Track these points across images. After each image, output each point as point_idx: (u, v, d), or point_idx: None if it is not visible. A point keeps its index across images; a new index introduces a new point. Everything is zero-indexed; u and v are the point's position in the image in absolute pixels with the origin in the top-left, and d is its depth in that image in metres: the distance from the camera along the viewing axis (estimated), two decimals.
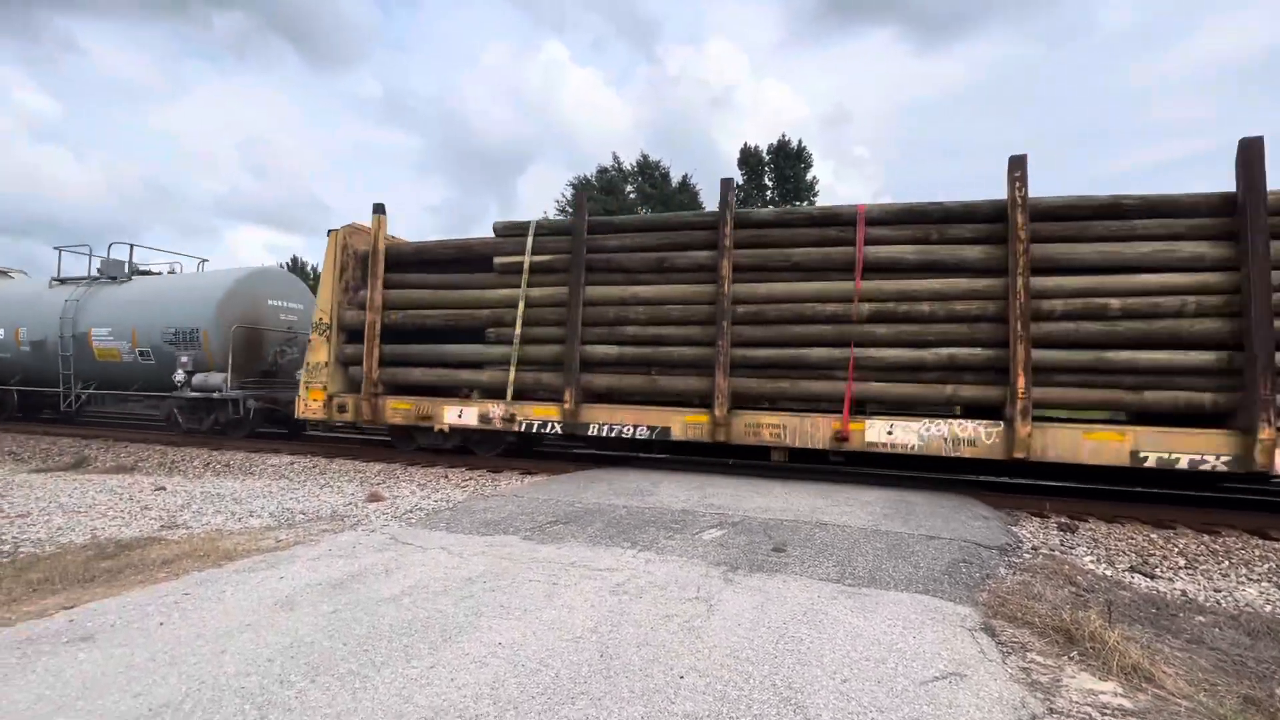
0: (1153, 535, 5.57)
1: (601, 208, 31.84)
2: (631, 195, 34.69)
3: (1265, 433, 5.69)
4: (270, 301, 11.57)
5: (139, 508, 5.97)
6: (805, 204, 34.00)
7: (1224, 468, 5.91)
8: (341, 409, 9.10)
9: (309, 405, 9.21)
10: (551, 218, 6.53)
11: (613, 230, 8.31)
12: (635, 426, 7.76)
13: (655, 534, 4.79)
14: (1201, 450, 5.97)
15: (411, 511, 5.78)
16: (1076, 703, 2.42)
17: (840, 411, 7.04)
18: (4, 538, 4.88)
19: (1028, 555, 4.73)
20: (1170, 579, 4.52)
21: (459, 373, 8.80)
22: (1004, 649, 2.89)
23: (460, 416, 8.54)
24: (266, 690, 2.35)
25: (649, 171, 34.73)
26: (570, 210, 31.24)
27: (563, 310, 8.06)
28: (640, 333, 7.84)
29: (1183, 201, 6.43)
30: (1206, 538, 5.50)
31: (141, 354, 11.30)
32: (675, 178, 34.89)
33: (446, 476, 7.90)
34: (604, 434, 7.86)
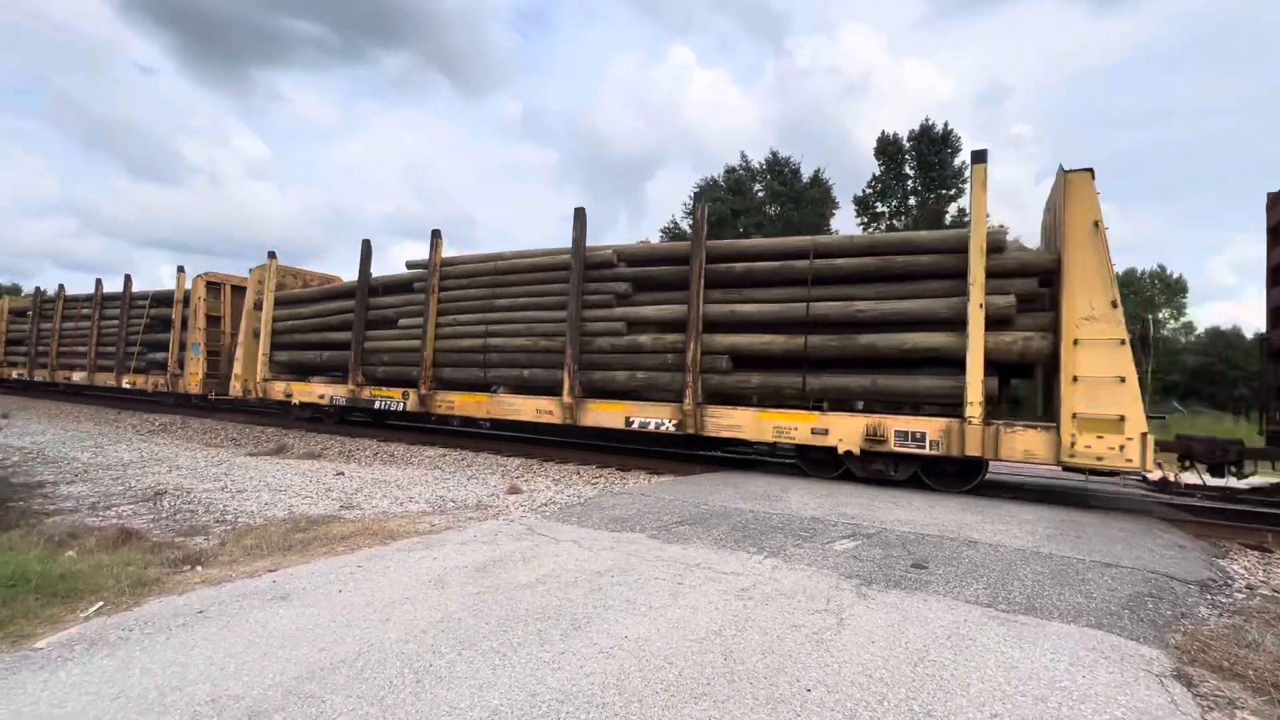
0: None
1: (728, 208, 31.58)
2: (760, 194, 34.03)
3: (688, 404, 8.05)
4: None
5: (323, 489, 6.91)
6: (948, 193, 31.29)
7: (673, 429, 8.20)
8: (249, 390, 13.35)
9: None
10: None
11: (383, 291, 11.70)
12: (389, 399, 11.07)
13: (783, 541, 4.66)
14: (657, 416, 8.30)
15: (546, 505, 6.12)
16: None
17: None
18: (229, 509, 5.89)
19: (1240, 595, 3.97)
20: None
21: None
22: (1204, 703, 2.45)
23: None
24: (421, 657, 2.62)
25: (778, 169, 33.86)
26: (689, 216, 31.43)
27: (349, 334, 11.75)
28: (395, 345, 11.19)
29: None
30: None
31: None
32: (806, 173, 33.71)
33: (578, 474, 8.27)
34: (377, 406, 11.34)
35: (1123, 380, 6.04)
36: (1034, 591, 3.66)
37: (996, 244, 6.84)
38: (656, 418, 8.34)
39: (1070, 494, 7.66)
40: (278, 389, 12.86)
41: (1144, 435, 5.96)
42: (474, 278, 10.36)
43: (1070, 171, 6.56)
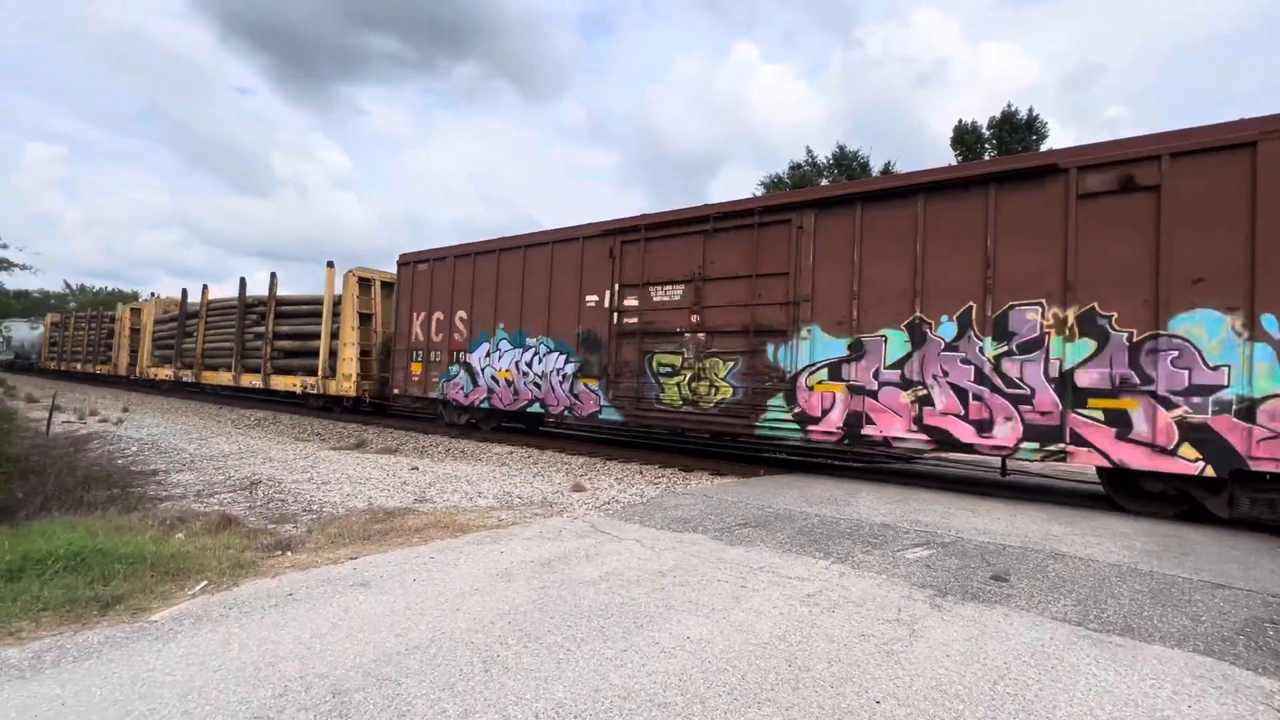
0: None
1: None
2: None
3: (267, 369, 16.46)
4: None
5: (399, 483, 7.26)
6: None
7: (260, 384, 16.79)
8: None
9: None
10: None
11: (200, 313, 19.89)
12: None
13: (851, 546, 4.51)
14: (257, 382, 16.81)
15: (609, 503, 6.19)
16: None
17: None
18: (314, 500, 6.29)
19: None
20: None
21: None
22: None
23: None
24: (489, 647, 2.71)
25: (845, 162, 32.81)
26: None
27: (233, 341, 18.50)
28: (199, 346, 19.74)
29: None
30: None
31: None
32: (876, 166, 32.49)
33: (641, 473, 8.32)
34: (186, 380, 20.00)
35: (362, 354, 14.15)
36: (1131, 611, 3.39)
37: (335, 301, 14.84)
38: (257, 382, 16.72)
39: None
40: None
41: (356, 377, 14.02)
42: (217, 311, 19.39)
43: (349, 272, 14.37)
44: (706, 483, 7.52)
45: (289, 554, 4.19)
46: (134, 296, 57.94)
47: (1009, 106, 30.53)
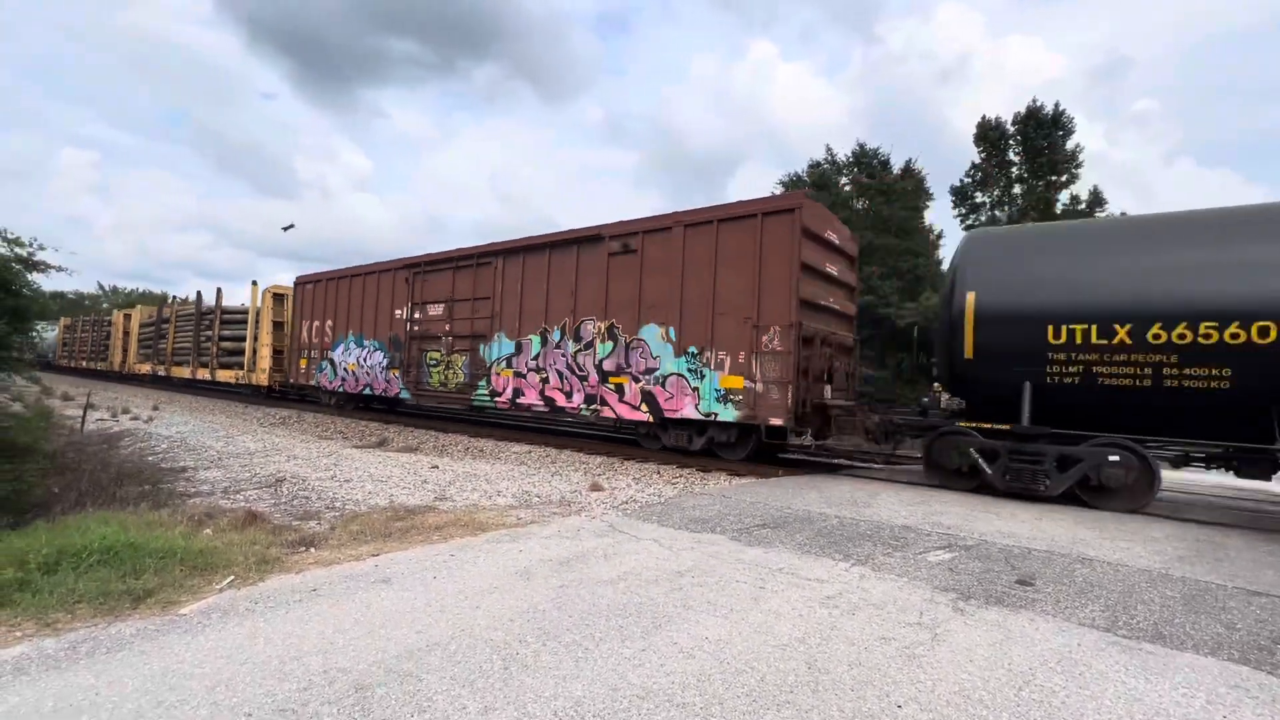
0: None
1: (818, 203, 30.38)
2: (846, 188, 32.72)
3: (213, 364, 20.40)
4: None
5: (419, 481, 7.34)
6: (1059, 179, 28.68)
7: (210, 376, 20.73)
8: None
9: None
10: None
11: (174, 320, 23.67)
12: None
13: (871, 549, 4.46)
14: (209, 376, 20.69)
15: (627, 503, 6.19)
16: None
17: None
18: (337, 497, 6.39)
19: None
20: None
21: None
22: None
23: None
24: (509, 645, 2.73)
25: (866, 160, 32.42)
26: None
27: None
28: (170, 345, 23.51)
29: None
30: None
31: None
32: (897, 164, 32.04)
33: (659, 473, 8.32)
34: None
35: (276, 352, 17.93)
36: (1162, 618, 3.30)
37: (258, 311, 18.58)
38: (207, 375, 20.43)
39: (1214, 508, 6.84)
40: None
41: (270, 370, 17.86)
42: (182, 318, 22.82)
43: (266, 289, 18.45)
44: (725, 483, 7.49)
45: (313, 550, 4.26)
46: (163, 298, 59.31)
47: (1034, 101, 29.88)
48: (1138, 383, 6.24)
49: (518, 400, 10.97)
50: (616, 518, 5.38)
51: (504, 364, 11.25)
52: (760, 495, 6.42)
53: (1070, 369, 6.57)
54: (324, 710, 2.19)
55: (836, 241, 9.14)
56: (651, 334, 9.22)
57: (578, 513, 5.66)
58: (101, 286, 69.97)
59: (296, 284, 17.16)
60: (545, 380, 10.52)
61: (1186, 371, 6.02)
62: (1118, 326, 6.27)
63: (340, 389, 15.36)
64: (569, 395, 10.17)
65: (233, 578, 3.58)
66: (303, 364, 16.63)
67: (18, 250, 5.97)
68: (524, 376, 10.88)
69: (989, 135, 30.84)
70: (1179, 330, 6.00)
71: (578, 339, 10.12)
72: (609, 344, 9.66)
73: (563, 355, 10.32)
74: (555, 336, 10.50)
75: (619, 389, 9.50)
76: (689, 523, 5.15)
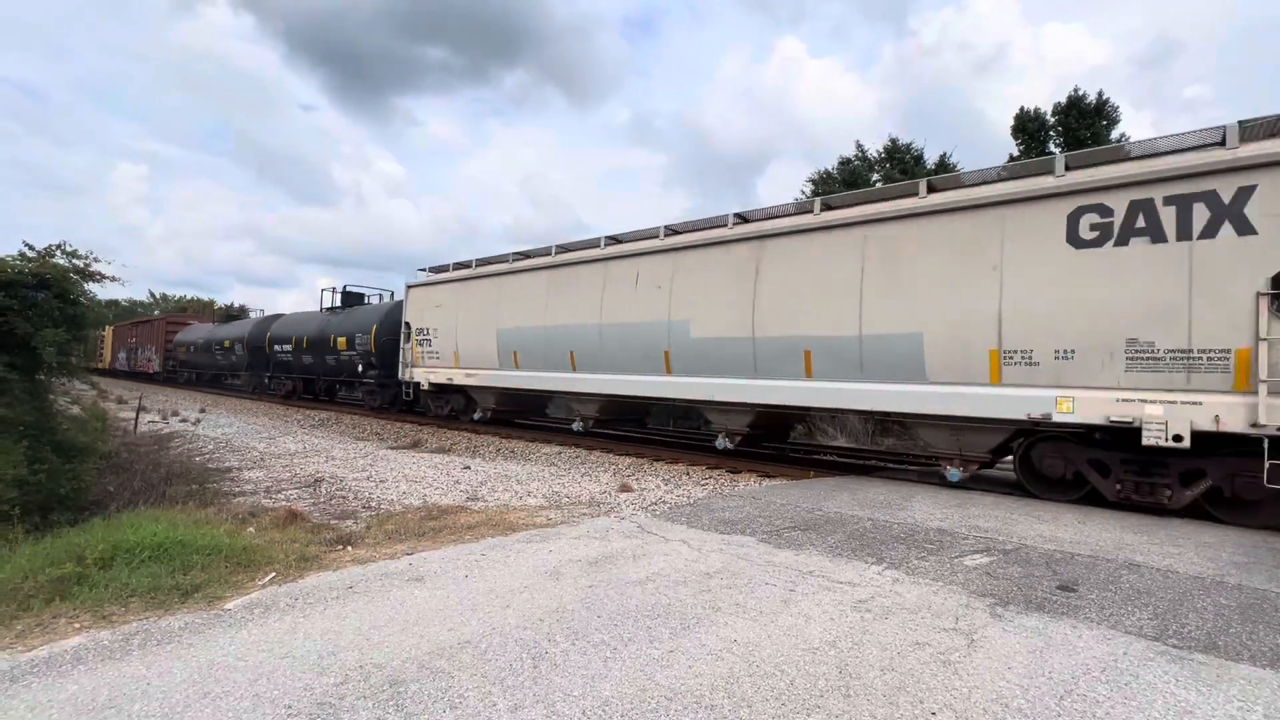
0: None
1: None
2: (878, 184, 32.07)
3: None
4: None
5: (452, 481, 7.47)
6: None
7: None
8: None
9: None
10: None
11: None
12: None
13: (905, 552, 4.37)
14: None
15: (656, 504, 6.19)
16: None
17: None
18: (373, 497, 6.54)
19: None
20: None
21: None
22: None
23: None
24: (538, 644, 2.76)
25: (898, 156, 31.74)
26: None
27: None
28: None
29: None
30: None
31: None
32: (931, 158, 31.28)
33: (688, 474, 8.30)
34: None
35: None
36: (1216, 627, 3.15)
37: None
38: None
39: None
40: None
41: None
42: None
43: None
44: (755, 484, 7.43)
45: (349, 549, 4.37)
46: (210, 304, 61.56)
47: (1076, 91, 28.82)
48: None
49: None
50: (645, 519, 5.38)
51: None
52: (791, 497, 6.35)
53: None
54: (359, 704, 2.24)
55: None
56: None
57: (607, 514, 5.69)
58: (152, 294, 72.95)
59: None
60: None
61: None
62: None
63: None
64: None
65: (274, 574, 3.70)
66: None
67: (75, 262, 6.28)
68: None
69: (1028, 127, 29.83)
70: None
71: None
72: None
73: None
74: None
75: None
76: (718, 524, 5.13)
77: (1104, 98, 29.02)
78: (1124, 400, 5.88)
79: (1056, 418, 6.19)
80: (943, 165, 31.84)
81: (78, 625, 2.96)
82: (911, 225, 7.20)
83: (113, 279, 6.61)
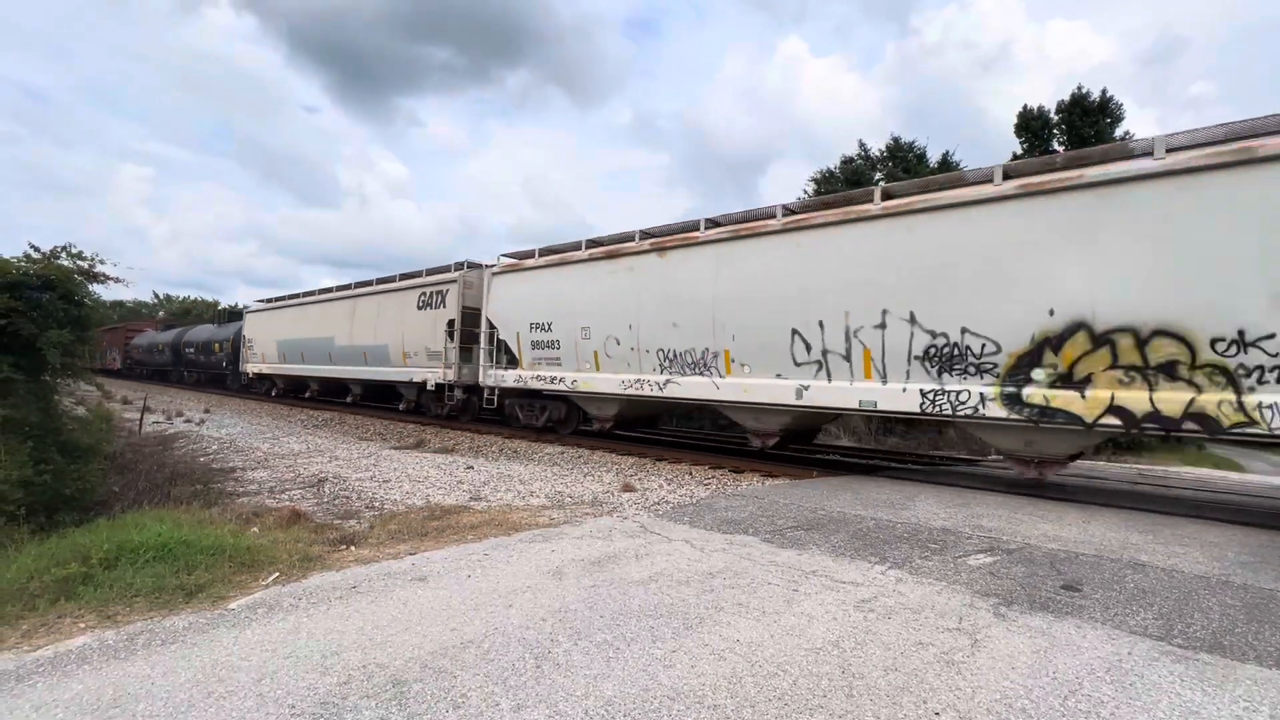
0: None
1: (847, 201, 29.85)
2: (881, 183, 31.96)
3: None
4: None
5: (455, 482, 7.48)
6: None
7: None
8: None
9: None
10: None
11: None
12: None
13: (908, 552, 4.36)
14: None
15: (659, 504, 6.19)
16: None
17: None
18: (376, 497, 6.55)
19: None
20: None
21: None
22: None
23: None
24: (541, 644, 2.76)
25: (901, 155, 31.65)
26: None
27: None
28: None
29: None
30: None
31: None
32: (934, 157, 31.19)
33: (691, 474, 8.29)
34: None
35: None
36: (1221, 627, 3.14)
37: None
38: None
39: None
40: None
41: None
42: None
43: None
44: (758, 484, 7.42)
45: (353, 549, 4.38)
46: (214, 305, 61.75)
47: (1079, 89, 28.69)
48: None
49: None
50: (648, 518, 5.38)
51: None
52: (794, 497, 6.34)
53: None
54: (363, 704, 2.25)
55: None
56: None
57: (609, 513, 5.69)
58: (156, 295, 73.14)
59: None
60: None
61: None
62: None
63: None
64: None
65: (277, 574, 3.71)
66: None
67: (79, 263, 6.30)
68: None
69: (1031, 125, 29.74)
70: None
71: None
72: None
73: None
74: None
75: None
76: (721, 524, 5.12)
77: (1107, 95, 28.85)
78: None
79: None
80: (945, 165, 31.74)
81: (83, 625, 2.97)
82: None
83: (117, 280, 6.62)
